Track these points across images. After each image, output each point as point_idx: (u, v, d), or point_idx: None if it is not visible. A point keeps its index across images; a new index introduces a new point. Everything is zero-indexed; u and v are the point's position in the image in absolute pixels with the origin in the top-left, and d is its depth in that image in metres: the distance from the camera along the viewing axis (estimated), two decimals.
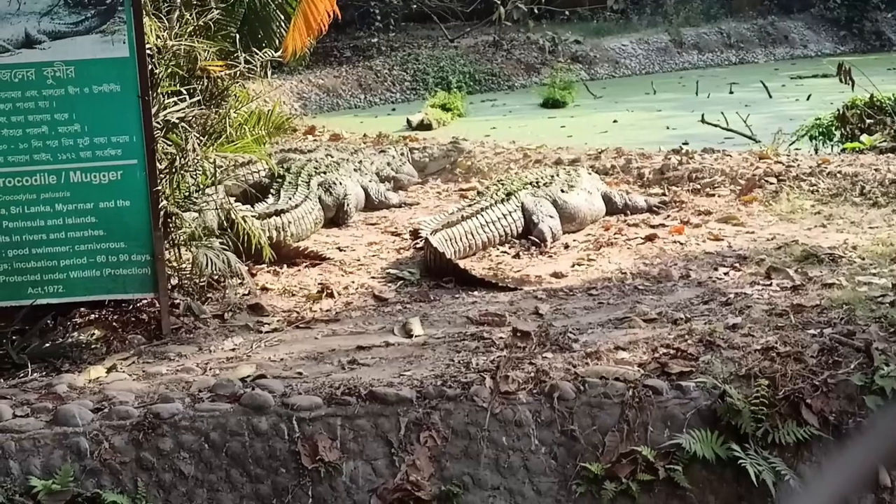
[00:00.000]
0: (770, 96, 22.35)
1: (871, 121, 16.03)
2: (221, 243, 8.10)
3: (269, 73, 9.26)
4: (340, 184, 10.90)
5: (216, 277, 8.15)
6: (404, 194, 12.06)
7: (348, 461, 5.90)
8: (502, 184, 10.33)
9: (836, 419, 6.02)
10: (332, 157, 11.69)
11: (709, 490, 5.94)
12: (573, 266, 8.98)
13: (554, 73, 25.75)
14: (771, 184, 10.96)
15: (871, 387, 6.07)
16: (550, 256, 9.42)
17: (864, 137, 15.34)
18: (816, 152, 14.87)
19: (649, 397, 6.09)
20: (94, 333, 7.40)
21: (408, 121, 20.48)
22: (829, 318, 6.85)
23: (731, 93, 23.60)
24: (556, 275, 8.71)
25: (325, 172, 11.02)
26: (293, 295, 8.37)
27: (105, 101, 7.22)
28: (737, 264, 8.53)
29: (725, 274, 8.32)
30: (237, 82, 8.86)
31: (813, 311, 7.03)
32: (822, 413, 6.03)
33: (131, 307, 7.81)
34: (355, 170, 11.64)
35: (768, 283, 7.91)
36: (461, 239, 9.32)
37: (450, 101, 22.30)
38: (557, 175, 10.52)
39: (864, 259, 8.29)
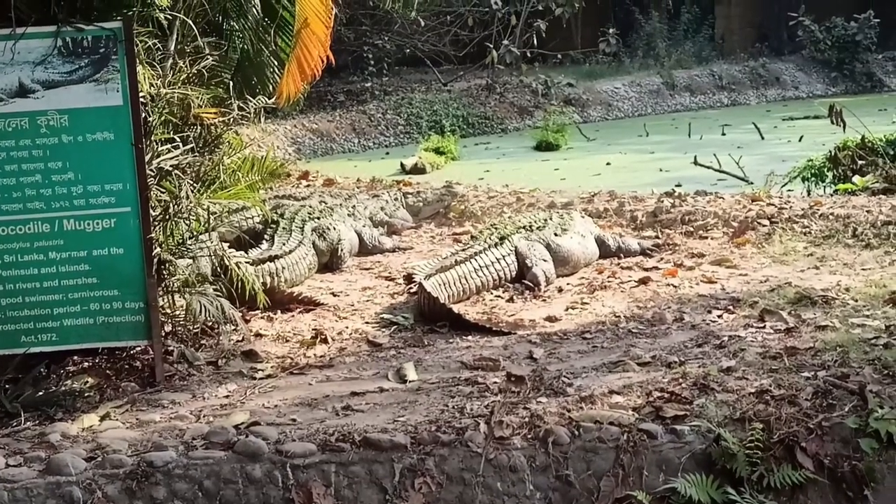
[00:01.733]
0: (762, 138, 22.47)
1: (863, 162, 16.09)
2: (215, 290, 8.09)
3: (262, 118, 9.30)
4: (334, 229, 10.92)
5: (210, 324, 8.15)
6: (398, 239, 12.08)
7: None
8: (496, 228, 10.35)
9: (832, 462, 6.01)
10: (325, 202, 11.72)
11: None
12: (567, 310, 8.98)
13: (547, 116, 25.87)
14: (763, 226, 10.99)
15: (865, 429, 6.06)
16: (544, 300, 9.42)
17: (856, 179, 15.40)
18: (809, 194, 14.93)
19: (644, 441, 6.08)
20: (87, 381, 7.38)
21: (401, 164, 20.55)
22: (822, 361, 6.86)
23: (724, 134, 23.71)
24: (550, 318, 8.71)
25: (318, 218, 11.04)
26: (287, 341, 8.37)
27: (99, 149, 7.25)
28: (730, 307, 8.53)
29: (719, 317, 8.32)
30: (230, 129, 8.89)
31: (807, 354, 7.04)
32: (817, 456, 6.02)
33: (125, 355, 7.79)
34: (349, 215, 11.66)
35: (762, 325, 7.92)
36: (455, 283, 9.32)
37: (443, 144, 22.38)
38: (551, 219, 10.54)
39: (857, 301, 8.30)
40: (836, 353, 6.94)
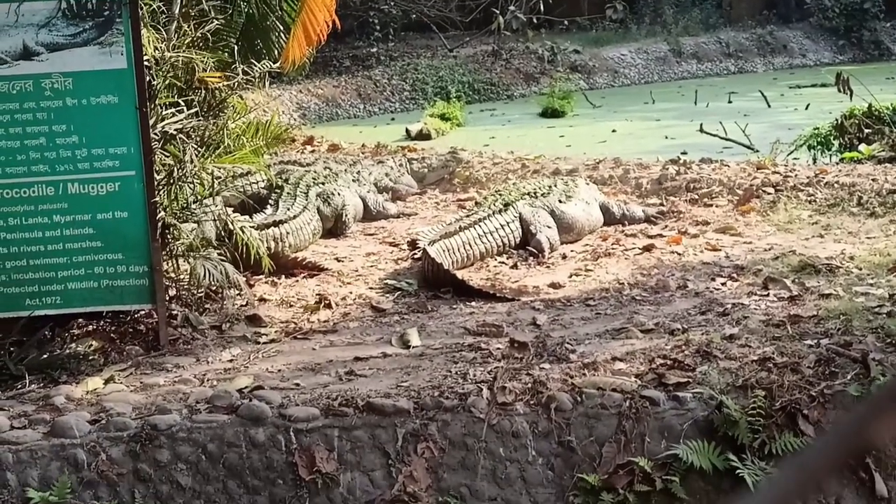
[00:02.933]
0: (769, 106, 22.36)
1: (870, 130, 16.05)
2: (219, 254, 8.11)
3: (267, 83, 9.28)
4: (339, 194, 10.92)
5: (214, 288, 8.16)
6: (402, 205, 12.08)
7: (345, 472, 5.90)
8: (500, 194, 10.34)
9: None
10: (330, 168, 11.71)
11: (706, 501, 5.95)
12: (571, 276, 8.98)
13: (553, 83, 25.76)
14: (768, 194, 10.97)
15: (867, 397, 6.06)
16: (548, 267, 9.42)
17: (862, 147, 15.35)
18: (815, 162, 14.89)
19: (646, 408, 6.09)
20: (91, 345, 7.41)
21: (407, 130, 20.49)
22: (825, 329, 6.86)
23: (730, 102, 23.60)
24: (554, 285, 8.71)
25: (323, 183, 11.03)
26: (291, 306, 8.38)
27: (103, 112, 7.24)
28: (734, 275, 8.53)
29: (723, 284, 8.32)
30: (235, 93, 8.87)
31: (810, 322, 7.04)
32: (819, 424, 6.04)
33: (129, 318, 7.82)
34: (354, 180, 11.66)
35: (765, 293, 7.91)
36: (459, 249, 9.32)
37: (449, 110, 22.30)
38: (555, 185, 10.53)
39: (861, 269, 8.29)
40: (839, 322, 6.94)
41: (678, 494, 5.88)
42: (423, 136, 20.02)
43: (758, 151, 16.07)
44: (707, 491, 5.96)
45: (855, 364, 6.33)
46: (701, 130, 17.71)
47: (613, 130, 20.23)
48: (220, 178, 8.33)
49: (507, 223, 9.77)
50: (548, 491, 5.95)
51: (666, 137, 18.86)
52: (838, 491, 5.96)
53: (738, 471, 5.82)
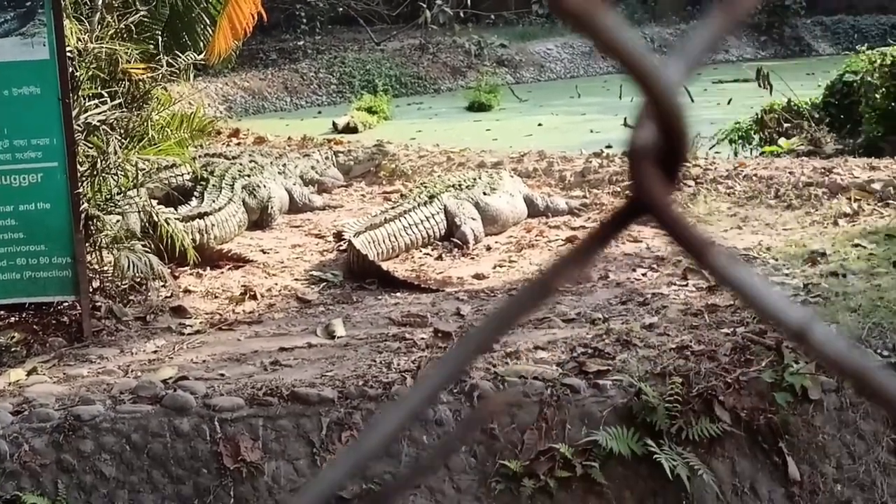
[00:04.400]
0: (692, 100, 22.56)
1: (789, 125, 16.38)
2: (144, 246, 8.10)
3: (192, 75, 9.27)
4: (264, 187, 10.92)
5: (138, 280, 8.15)
6: (328, 197, 12.11)
7: (270, 461, 5.95)
8: (425, 187, 10.42)
9: (748, 416, 6.18)
10: (256, 161, 11.70)
11: (625, 486, 6.07)
12: (494, 267, 9.08)
13: (480, 77, 25.89)
14: (689, 186, 11.14)
15: (781, 384, 6.23)
16: (472, 258, 9.52)
17: (781, 141, 15.66)
18: (736, 155, 15.15)
19: (567, 396, 6.20)
20: (13, 336, 7.37)
21: (334, 124, 20.48)
22: (742, 318, 7.02)
23: None
24: (478, 276, 8.81)
25: (249, 176, 11.02)
26: (216, 297, 8.39)
27: (25, 103, 7.20)
28: (654, 265, 8.68)
29: (643, 275, 8.47)
30: (159, 85, 8.85)
31: (727, 311, 7.19)
32: (734, 410, 6.19)
33: (52, 310, 7.78)
34: (279, 173, 11.66)
35: (684, 283, 8.07)
36: (384, 241, 9.39)
37: (376, 104, 22.32)
38: (480, 178, 10.63)
39: (777, 260, 8.48)
40: (754, 311, 7.08)
41: (598, 480, 5.99)
42: (350, 129, 20.04)
43: None
44: (626, 476, 6.08)
45: (769, 351, 6.48)
46: (625, 124, 17.90)
47: (539, 124, 20.38)
48: (144, 169, 8.32)
49: (433, 215, 9.85)
50: (470, 477, 6.04)
51: (591, 131, 19.06)
52: (752, 475, 6.11)
53: (655, 456, 5.94)
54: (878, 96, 15.49)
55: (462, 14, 29.29)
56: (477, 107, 23.36)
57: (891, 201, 9.95)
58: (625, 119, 18.44)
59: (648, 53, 0.48)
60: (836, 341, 0.56)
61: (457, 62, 28.58)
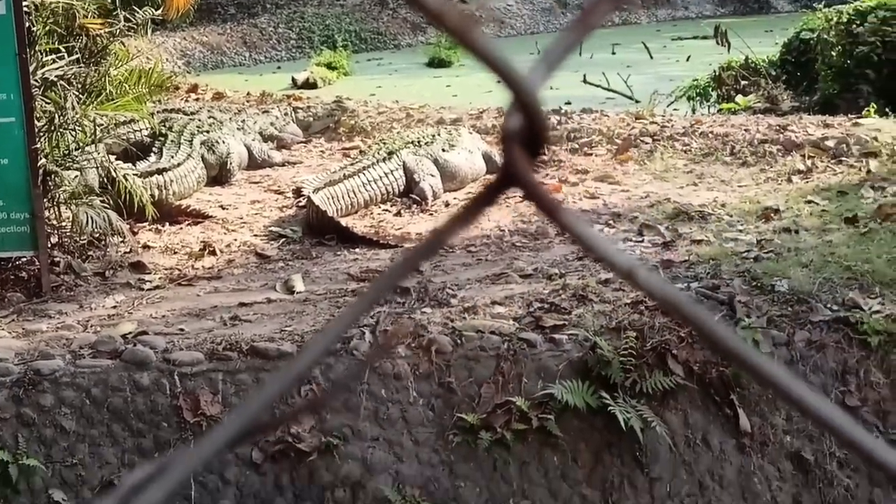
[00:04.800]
0: (651, 57, 22.75)
1: (746, 82, 16.51)
2: (102, 202, 8.10)
3: (150, 30, 9.23)
4: (223, 142, 10.90)
5: (97, 235, 8.15)
6: (288, 153, 12.10)
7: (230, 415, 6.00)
8: (384, 143, 10.44)
9: (700, 369, 6.30)
10: (215, 116, 11.67)
11: (580, 438, 6.18)
12: None
13: (440, 33, 25.85)
14: (646, 143, 11.23)
15: None
16: (431, 214, 9.56)
17: (739, 98, 15.79)
18: (694, 112, 15.25)
19: (524, 350, 6.29)
20: None
21: (293, 79, 20.44)
22: (696, 273, 7.13)
23: (614, 53, 23.94)
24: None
25: (208, 131, 10.99)
26: (175, 253, 8.41)
27: None
28: (611, 221, 8.77)
29: (600, 231, 8.54)
30: (117, 40, 8.82)
31: (681, 266, 7.30)
32: (687, 363, 6.30)
33: (10, 265, 7.78)
34: (238, 129, 11.63)
35: (640, 239, 8.17)
36: (343, 197, 9.41)
37: (335, 59, 22.29)
38: (439, 134, 10.65)
39: (731, 216, 8.59)
40: (708, 266, 7.22)
41: (553, 432, 6.10)
42: (310, 85, 20.01)
43: (639, 102, 16.41)
44: (581, 429, 6.18)
45: (722, 306, 6.60)
46: (585, 81, 17.99)
47: (499, 81, 20.39)
48: (102, 125, 8.29)
49: (391, 171, 9.87)
50: (428, 430, 6.13)
51: (550, 88, 18.95)
52: (705, 427, 6.24)
53: (610, 409, 6.05)
54: (833, 54, 15.62)
55: None
56: (437, 63, 23.37)
57: (843, 158, 10.08)
58: (584, 76, 18.52)
59: (510, 62, 0.59)
60: (656, 279, 0.69)
61: (417, 18, 28.47)
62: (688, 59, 21.89)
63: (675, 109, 15.19)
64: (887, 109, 12.89)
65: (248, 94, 15.40)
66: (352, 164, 9.97)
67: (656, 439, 6.11)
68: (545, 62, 0.63)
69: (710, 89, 16.73)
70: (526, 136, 0.61)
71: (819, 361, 6.35)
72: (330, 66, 21.75)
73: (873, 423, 6.23)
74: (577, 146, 11.52)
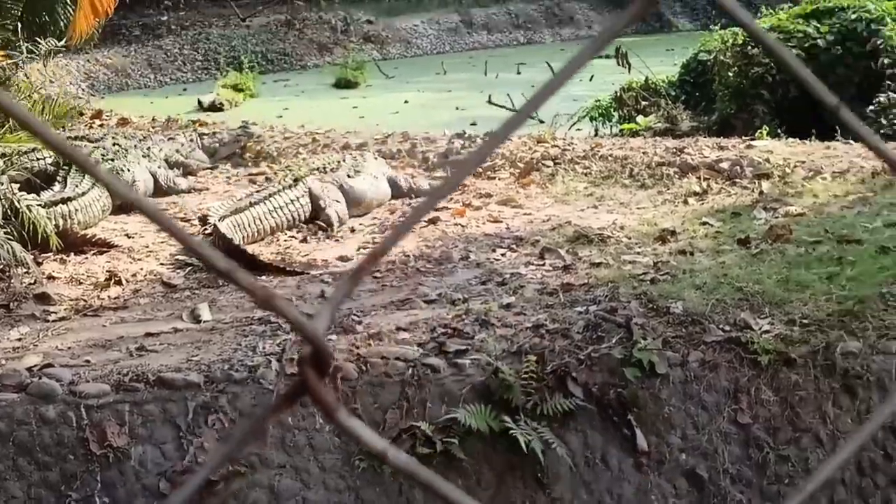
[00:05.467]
0: (555, 77, 23.03)
1: (647, 102, 16.89)
2: (6, 233, 8.08)
3: (53, 57, 9.22)
4: (128, 170, 10.90)
5: (1, 267, 8.12)
6: (194, 179, 12.12)
7: (137, 446, 6.05)
8: (290, 169, 10.53)
9: (599, 390, 6.48)
10: (119, 144, 11.66)
11: (483, 460, 6.33)
12: (358, 249, 9.25)
13: (346, 54, 26.00)
14: (548, 167, 11.45)
15: (630, 360, 6.55)
16: (337, 240, 9.66)
17: (639, 118, 16.16)
18: (597, 133, 15.56)
19: (428, 375, 6.43)
20: None
21: (199, 102, 20.40)
22: (595, 296, 7.32)
23: (519, 73, 24.27)
24: (342, 258, 8.96)
25: (112, 159, 10.99)
26: (81, 283, 8.39)
27: None
28: (514, 245, 8.94)
29: (503, 255, 8.71)
30: (21, 70, 8.81)
31: (581, 290, 7.49)
32: (587, 385, 6.48)
33: None
34: (144, 156, 11.63)
35: (542, 263, 8.35)
36: (249, 224, 9.48)
37: (242, 81, 22.30)
38: (344, 160, 10.77)
39: (630, 239, 8.81)
40: (606, 289, 7.41)
41: (457, 455, 6.23)
42: (216, 107, 20.00)
43: (543, 122, 16.66)
44: (484, 451, 6.33)
45: (619, 329, 6.79)
46: (490, 102, 18.24)
47: (406, 101, 20.58)
48: (5, 156, 8.28)
49: (297, 198, 9.96)
50: (335, 457, 6.23)
51: (457, 108, 19.33)
52: (603, 447, 6.43)
53: (511, 431, 6.21)
54: (730, 74, 16.07)
55: None
56: (344, 84, 23.49)
57: (737, 180, 10.40)
58: (489, 96, 18.78)
59: (306, 321, 0.86)
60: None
61: (323, 38, 28.62)
62: (591, 79, 22.21)
63: (578, 129, 15.49)
64: (779, 131, 13.30)
65: (153, 119, 15.38)
66: (258, 191, 10.04)
67: (557, 460, 6.28)
68: (329, 309, 0.84)
69: (612, 109, 17.09)
70: (315, 360, 0.87)
71: (712, 381, 6.57)
72: (236, 88, 21.75)
73: (764, 439, 6.47)
74: (480, 170, 11.68)
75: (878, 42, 15.63)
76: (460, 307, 7.27)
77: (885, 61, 15.53)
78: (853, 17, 15.96)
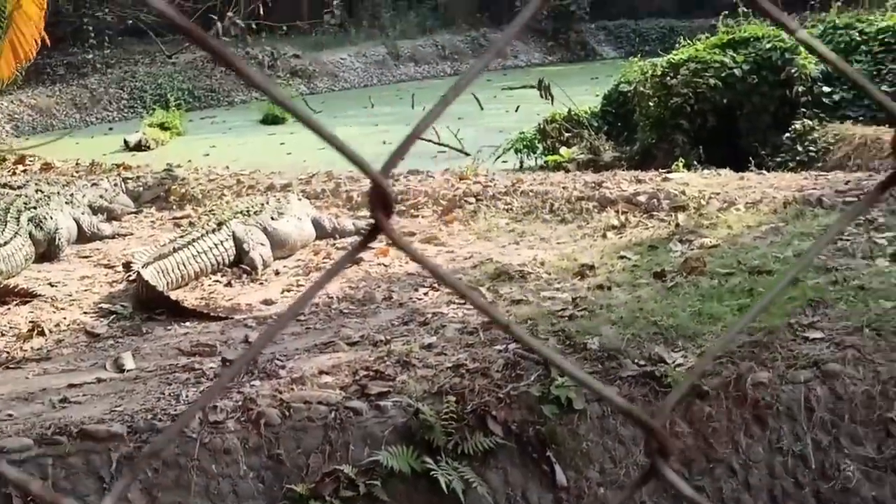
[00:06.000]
0: (482, 108, 23.28)
1: (570, 134, 17.12)
2: None
3: None
4: (51, 218, 10.89)
5: None
6: (118, 225, 12.12)
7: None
8: (213, 213, 10.58)
9: (518, 428, 6.61)
10: (42, 191, 11.64)
11: (406, 502, 6.41)
12: (283, 292, 9.31)
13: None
14: (470, 203, 11.60)
15: (548, 396, 6.67)
16: (261, 283, 9.72)
17: (563, 150, 16.38)
18: (522, 165, 15.76)
19: (350, 418, 6.52)
20: None
21: (125, 141, 20.36)
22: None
23: None
24: (266, 301, 9.04)
25: (35, 207, 10.98)
26: (3, 335, 8.38)
27: None
28: (436, 284, 9.03)
29: (425, 294, 8.83)
30: None
31: (500, 328, 7.61)
32: (506, 423, 6.60)
33: None
34: (67, 203, 11.62)
35: (463, 301, 8.46)
36: (173, 270, 9.51)
37: (168, 119, 22.29)
38: (268, 203, 10.85)
39: (550, 274, 8.95)
40: (526, 326, 7.55)
41: (381, 497, 6.32)
42: (142, 146, 19.97)
43: (469, 155, 16.86)
44: (407, 492, 6.42)
45: (538, 366, 6.93)
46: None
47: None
48: None
49: (221, 242, 10.00)
50: (258, 503, 6.30)
51: (384, 142, 19.46)
52: (523, 483, 6.55)
53: (433, 472, 6.32)
54: (651, 105, 16.37)
55: (254, 25, 29.36)
56: (271, 119, 23.57)
57: (654, 213, 10.62)
58: None
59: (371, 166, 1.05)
60: None
61: None
62: (517, 110, 22.50)
63: (504, 162, 15.66)
64: (696, 162, 13.59)
65: (77, 163, 15.33)
66: (181, 237, 10.06)
67: (478, 499, 6.39)
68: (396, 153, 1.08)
69: (536, 142, 17.31)
70: (382, 204, 1.05)
71: None
72: (163, 127, 21.74)
73: (679, 470, 6.63)
74: (403, 208, 11.83)
75: (793, 71, 16.02)
76: (382, 349, 7.37)
77: (800, 89, 15.92)
78: (768, 46, 16.34)
